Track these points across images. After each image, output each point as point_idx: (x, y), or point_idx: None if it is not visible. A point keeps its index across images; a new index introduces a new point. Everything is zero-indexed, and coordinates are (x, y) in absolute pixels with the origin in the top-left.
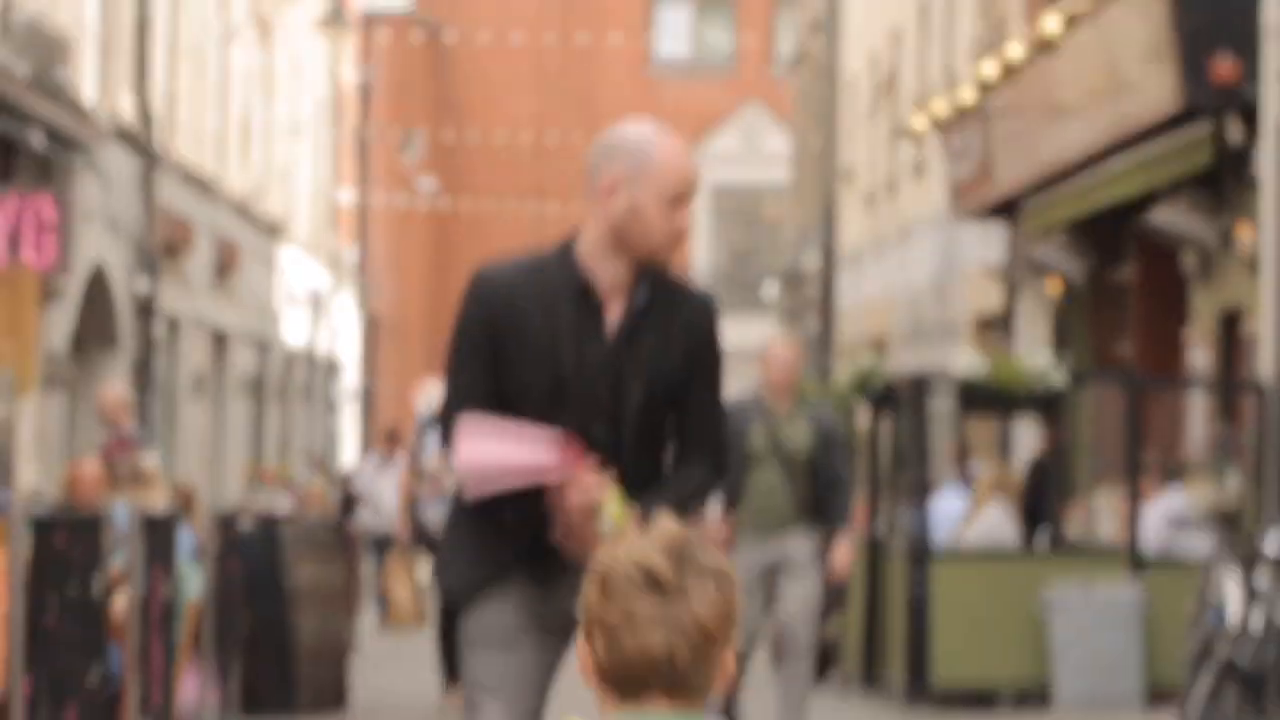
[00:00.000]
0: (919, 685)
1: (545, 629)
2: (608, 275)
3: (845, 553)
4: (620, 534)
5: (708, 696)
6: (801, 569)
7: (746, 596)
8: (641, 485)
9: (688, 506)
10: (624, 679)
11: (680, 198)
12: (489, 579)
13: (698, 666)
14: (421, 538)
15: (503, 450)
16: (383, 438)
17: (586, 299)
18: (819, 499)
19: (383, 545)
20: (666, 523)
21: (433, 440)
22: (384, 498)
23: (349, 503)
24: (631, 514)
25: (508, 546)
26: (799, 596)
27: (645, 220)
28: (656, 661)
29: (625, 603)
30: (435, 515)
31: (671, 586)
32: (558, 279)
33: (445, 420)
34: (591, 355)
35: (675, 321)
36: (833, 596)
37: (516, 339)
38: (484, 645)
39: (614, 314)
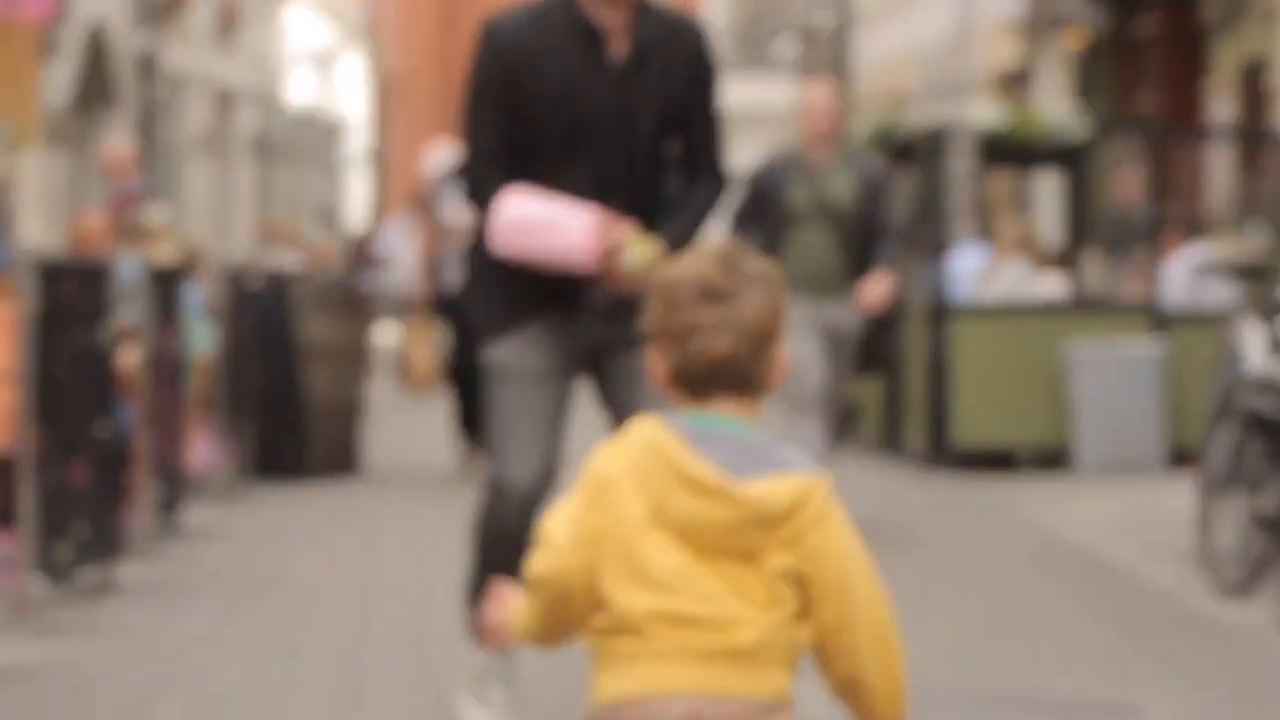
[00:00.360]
0: (939, 446)
1: (565, 364)
2: (607, 17)
3: (879, 285)
4: (651, 266)
5: (764, 391)
6: (849, 349)
7: (810, 354)
8: (654, 210)
9: (702, 223)
10: (693, 380)
11: None
12: (514, 318)
13: (756, 363)
14: (441, 299)
15: (545, 227)
16: (411, 198)
17: (592, 38)
18: (866, 256)
19: (406, 308)
20: (712, 240)
21: (451, 197)
22: (408, 260)
23: (360, 262)
24: (656, 246)
25: (531, 287)
26: (838, 373)
27: None
28: (721, 361)
29: (689, 313)
30: (455, 275)
31: (727, 294)
32: (563, 22)
33: (470, 172)
34: (601, 89)
35: (675, 53)
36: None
37: (530, 82)
38: (508, 380)
39: (619, 50)
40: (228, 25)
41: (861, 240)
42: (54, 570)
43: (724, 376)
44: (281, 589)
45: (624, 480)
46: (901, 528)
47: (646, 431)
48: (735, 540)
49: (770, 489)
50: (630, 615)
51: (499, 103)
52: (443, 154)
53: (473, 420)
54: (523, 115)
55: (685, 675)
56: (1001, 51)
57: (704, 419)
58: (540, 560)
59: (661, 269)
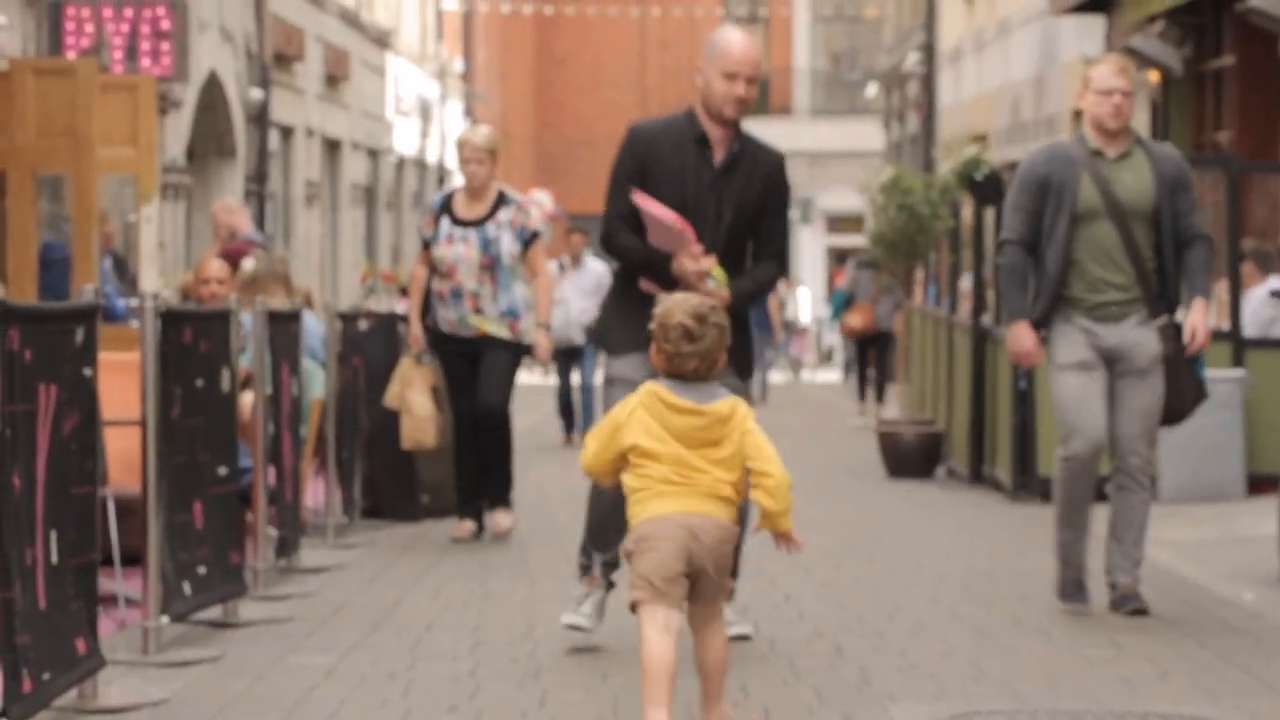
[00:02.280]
0: (1025, 477)
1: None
2: (714, 131)
3: (1200, 319)
4: (722, 289)
5: (715, 375)
6: (1141, 375)
7: (1077, 382)
8: (731, 274)
9: (761, 289)
10: (674, 376)
11: (733, 74)
12: (636, 341)
13: (709, 370)
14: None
15: (664, 212)
16: (565, 243)
17: (703, 143)
18: (1164, 266)
19: (570, 355)
20: (695, 297)
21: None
22: (570, 304)
23: None
24: (727, 280)
25: (647, 317)
26: (1139, 411)
27: (713, 92)
28: (693, 372)
29: (675, 345)
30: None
31: (697, 337)
32: (685, 129)
33: (607, 229)
34: (703, 181)
35: (757, 168)
36: None
37: (655, 170)
38: (623, 384)
39: (719, 156)
40: (335, 77)
41: (1158, 247)
42: (177, 608)
43: (694, 377)
44: (396, 626)
45: (632, 415)
46: (989, 555)
47: (649, 388)
48: (706, 435)
49: (719, 405)
50: (654, 479)
51: (632, 182)
52: (543, 200)
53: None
54: (648, 190)
55: (681, 505)
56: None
57: (673, 382)
58: (585, 456)
59: (669, 309)
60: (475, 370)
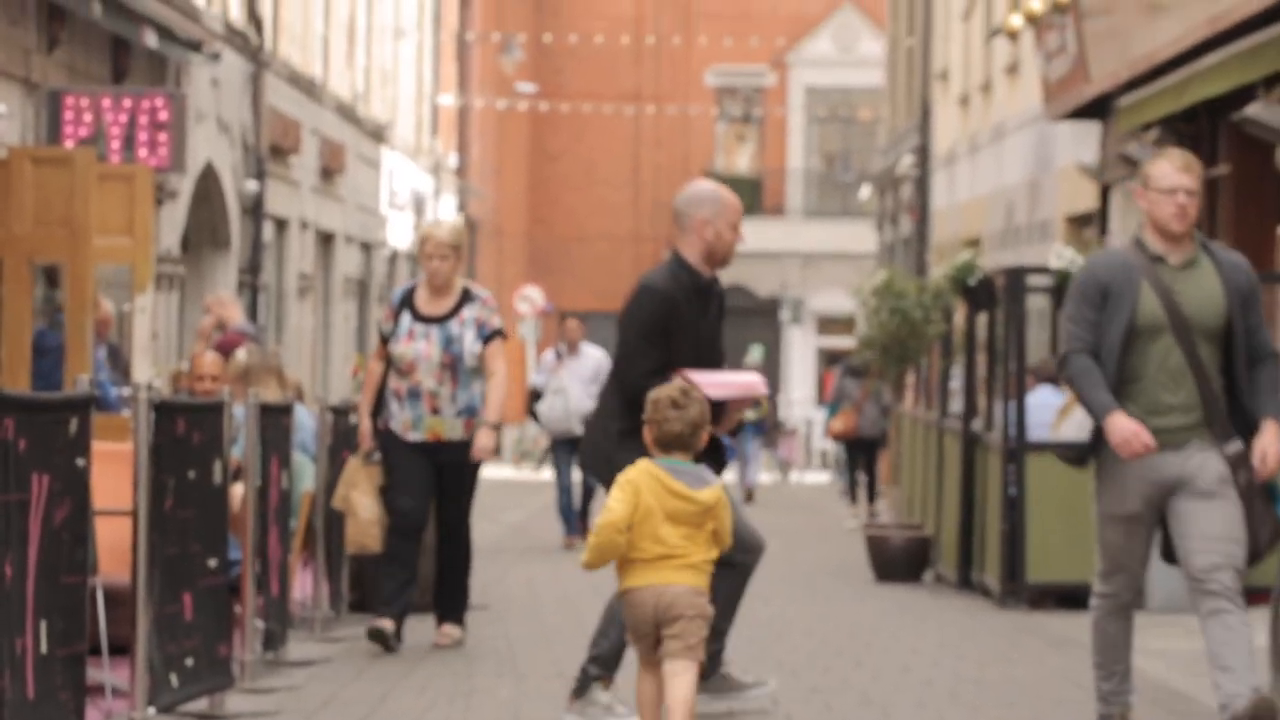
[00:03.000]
0: (1014, 583)
1: None
2: (705, 277)
3: (1272, 442)
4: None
5: (699, 449)
6: (1208, 496)
7: (1121, 536)
8: None
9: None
10: (663, 444)
11: (737, 225)
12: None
13: (695, 438)
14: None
15: (743, 384)
16: (562, 331)
17: (702, 292)
18: (1235, 386)
19: (570, 446)
20: (677, 382)
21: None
22: (569, 393)
23: None
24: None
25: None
26: (1211, 533)
27: (724, 242)
28: (678, 436)
29: (663, 413)
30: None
31: (682, 405)
32: (688, 282)
33: (633, 376)
34: (707, 324)
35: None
36: None
37: (675, 322)
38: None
39: (711, 300)
40: (330, 170)
41: (1228, 366)
42: (164, 700)
43: (678, 444)
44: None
45: (640, 487)
46: (977, 662)
47: (645, 467)
48: (694, 518)
49: (706, 494)
50: (647, 551)
51: (656, 334)
52: (532, 296)
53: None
54: (668, 340)
55: (663, 577)
56: (1076, 195)
57: (672, 462)
58: (611, 516)
59: (657, 392)
60: (427, 472)
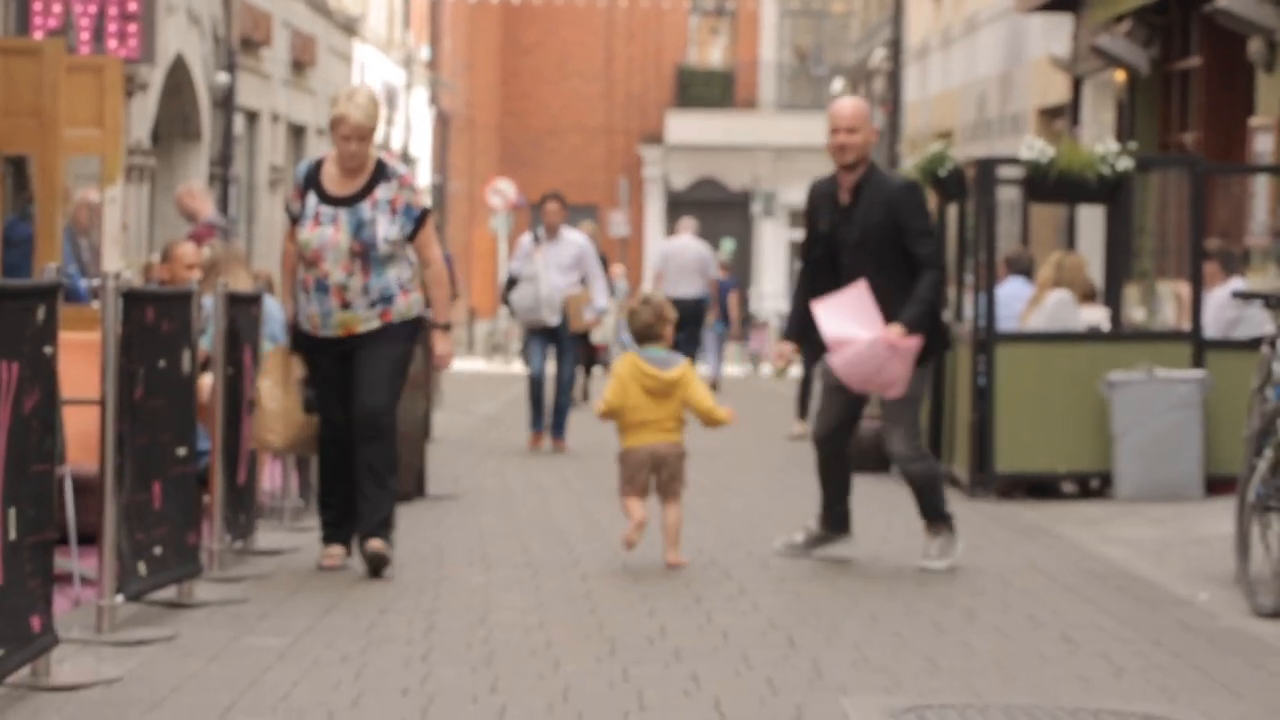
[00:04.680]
0: (983, 473)
1: None
2: (841, 177)
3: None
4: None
5: (666, 342)
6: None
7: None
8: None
9: (926, 303)
10: (641, 336)
11: (834, 129)
12: None
13: (662, 331)
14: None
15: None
16: (541, 214)
17: (833, 188)
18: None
19: (544, 337)
20: (646, 294)
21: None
22: (541, 281)
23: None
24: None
25: None
26: None
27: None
28: (645, 328)
29: (640, 315)
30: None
31: (654, 302)
32: (827, 182)
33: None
34: (833, 218)
35: (878, 198)
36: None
37: (813, 215)
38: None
39: (844, 197)
40: (302, 63)
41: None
42: (133, 588)
43: (649, 335)
44: (351, 609)
45: (625, 375)
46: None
47: (629, 358)
48: (665, 391)
49: (673, 372)
50: (634, 419)
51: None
52: (504, 189)
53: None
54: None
55: (652, 437)
56: (1048, 88)
57: (646, 350)
58: (608, 401)
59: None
60: (348, 373)
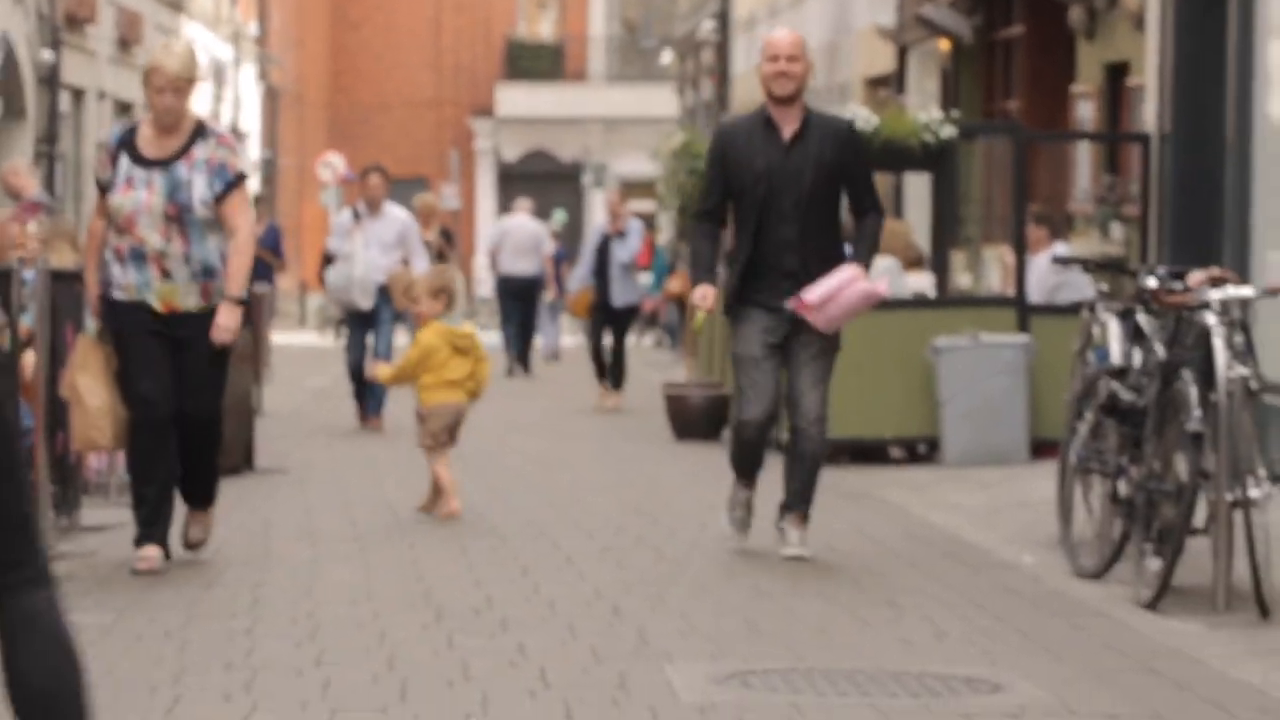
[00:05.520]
0: None
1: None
2: (777, 112)
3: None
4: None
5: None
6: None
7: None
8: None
9: (875, 244)
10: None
11: (774, 57)
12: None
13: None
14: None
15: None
16: (362, 188)
17: (769, 125)
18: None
19: (360, 321)
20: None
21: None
22: (357, 260)
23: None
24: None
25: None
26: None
27: (762, 75)
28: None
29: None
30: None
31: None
32: (755, 118)
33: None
34: (774, 156)
35: (826, 137)
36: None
37: (732, 155)
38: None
39: (786, 133)
40: (128, 40)
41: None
42: None
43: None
44: (175, 584)
45: (433, 342)
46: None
47: (437, 326)
48: (466, 350)
49: (471, 335)
50: (443, 378)
51: (716, 172)
52: (334, 163)
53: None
54: (730, 175)
55: (452, 395)
56: (874, 57)
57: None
58: (403, 366)
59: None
60: (165, 351)
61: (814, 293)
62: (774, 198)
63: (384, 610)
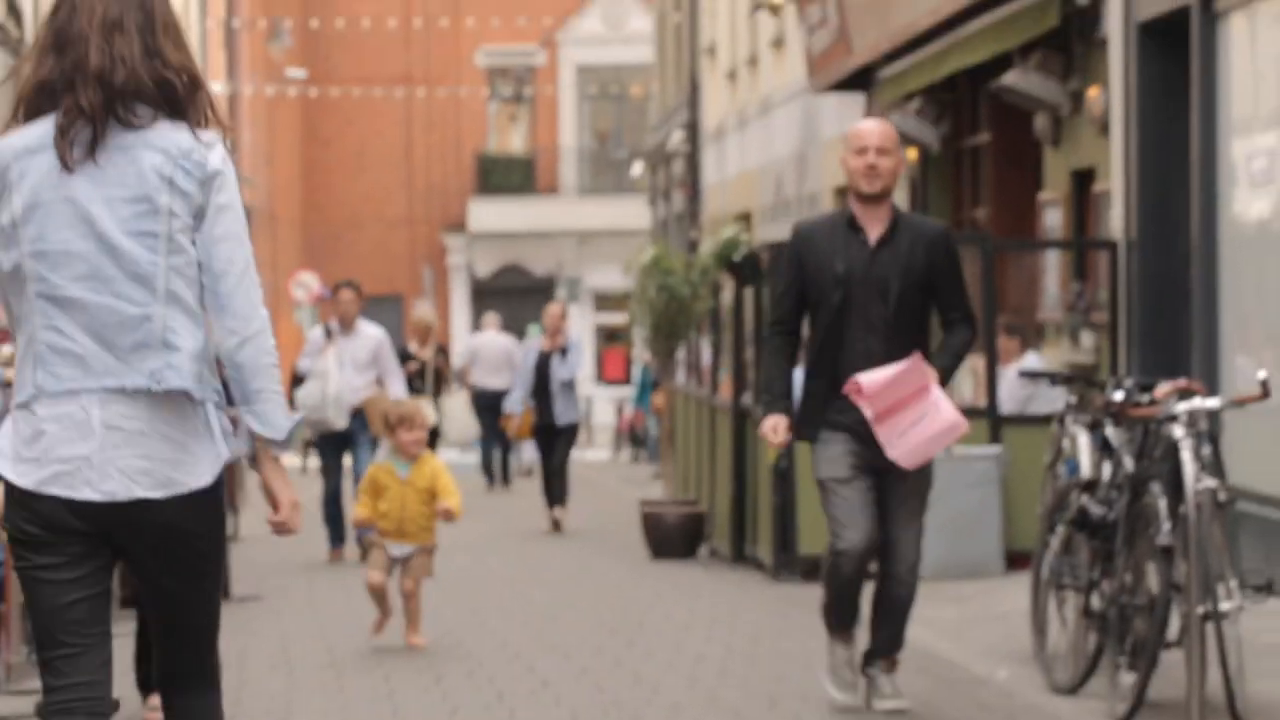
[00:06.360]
0: (786, 556)
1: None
2: (863, 211)
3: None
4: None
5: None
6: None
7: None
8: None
9: (959, 358)
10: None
11: (862, 149)
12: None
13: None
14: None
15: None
16: (334, 304)
17: (853, 224)
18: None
19: (336, 444)
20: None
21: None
22: (331, 379)
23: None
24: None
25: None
26: None
27: (848, 169)
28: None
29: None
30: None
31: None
32: (837, 217)
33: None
34: (858, 259)
35: (918, 241)
36: None
37: (810, 259)
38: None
39: (873, 234)
40: None
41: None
42: None
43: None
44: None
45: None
46: (749, 636)
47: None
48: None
49: (417, 474)
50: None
51: (793, 276)
52: (308, 282)
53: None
54: (807, 278)
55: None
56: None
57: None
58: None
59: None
60: None
61: (873, 379)
62: (858, 306)
63: None
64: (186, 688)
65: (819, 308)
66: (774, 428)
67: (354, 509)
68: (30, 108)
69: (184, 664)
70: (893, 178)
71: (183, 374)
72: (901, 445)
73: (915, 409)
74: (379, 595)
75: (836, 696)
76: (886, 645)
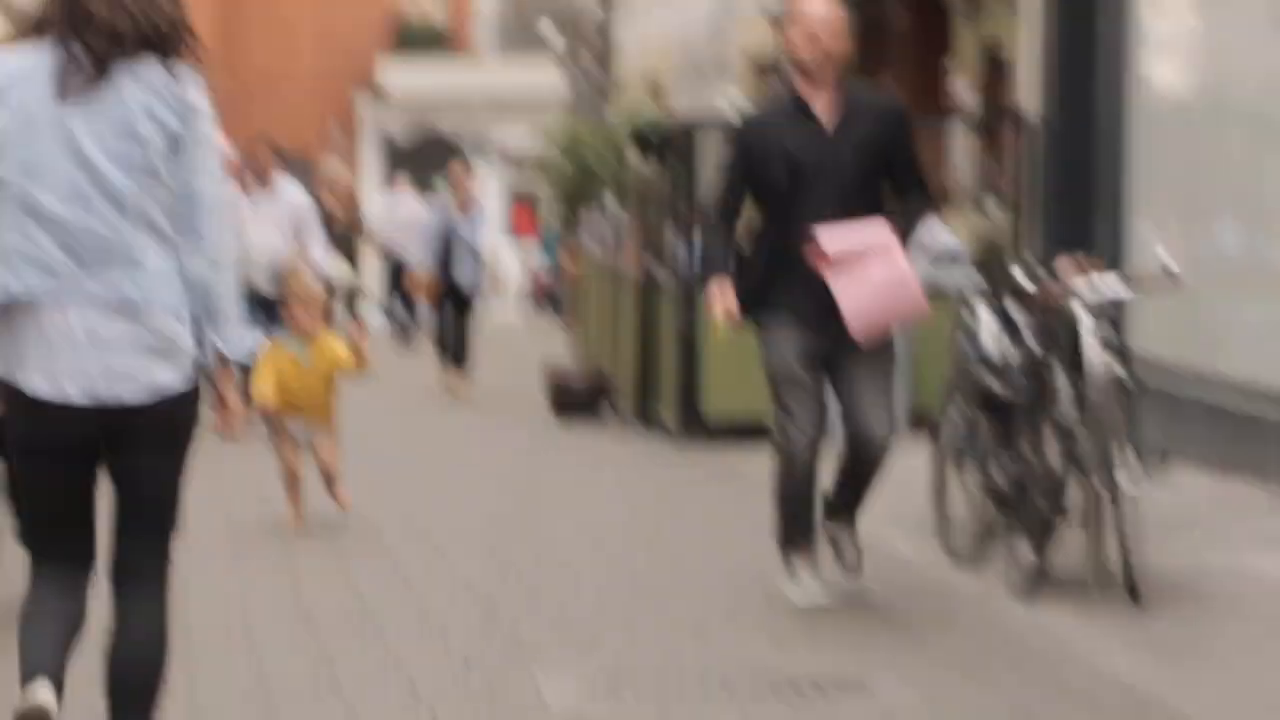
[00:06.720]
0: (691, 419)
1: None
2: (808, 94)
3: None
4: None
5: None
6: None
7: None
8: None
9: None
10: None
11: (812, 35)
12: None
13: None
14: None
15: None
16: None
17: (804, 109)
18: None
19: (263, 305)
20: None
21: None
22: (249, 234)
23: None
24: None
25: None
26: None
27: (793, 46)
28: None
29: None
30: None
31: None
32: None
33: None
34: (815, 143)
35: (871, 117)
36: None
37: (760, 149)
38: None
39: (827, 117)
40: None
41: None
42: None
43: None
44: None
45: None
46: (654, 500)
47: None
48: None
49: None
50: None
51: (741, 170)
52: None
53: None
54: (760, 171)
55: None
56: (758, 39)
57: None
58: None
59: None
60: None
61: (835, 243)
62: (813, 191)
63: (256, 621)
64: (143, 576)
65: (769, 193)
66: (720, 290)
67: (255, 389)
68: (30, 37)
69: (144, 549)
70: (845, 61)
71: (144, 289)
72: (857, 297)
73: (875, 264)
74: (293, 481)
75: (797, 595)
76: (849, 510)
